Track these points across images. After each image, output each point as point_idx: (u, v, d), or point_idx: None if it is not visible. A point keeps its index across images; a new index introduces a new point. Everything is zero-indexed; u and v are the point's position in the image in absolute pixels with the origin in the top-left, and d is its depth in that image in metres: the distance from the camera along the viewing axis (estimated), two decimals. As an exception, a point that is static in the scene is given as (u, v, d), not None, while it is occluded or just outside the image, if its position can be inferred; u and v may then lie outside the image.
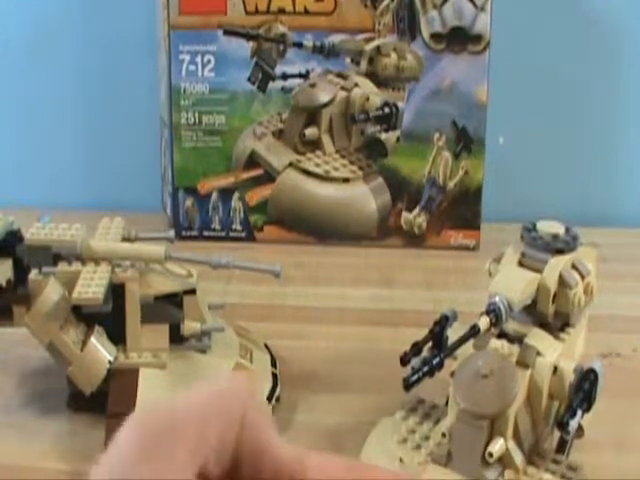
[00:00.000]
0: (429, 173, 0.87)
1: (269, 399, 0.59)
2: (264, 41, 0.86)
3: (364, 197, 0.87)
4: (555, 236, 0.51)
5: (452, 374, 0.50)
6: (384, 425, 0.54)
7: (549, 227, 0.52)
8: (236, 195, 0.89)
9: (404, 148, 0.87)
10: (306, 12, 0.85)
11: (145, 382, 0.55)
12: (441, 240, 0.89)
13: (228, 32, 0.85)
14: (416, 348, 0.51)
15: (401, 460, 0.51)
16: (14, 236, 0.56)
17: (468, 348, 0.49)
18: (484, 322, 0.48)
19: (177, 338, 0.58)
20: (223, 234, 0.90)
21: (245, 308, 0.72)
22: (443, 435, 0.48)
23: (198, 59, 0.86)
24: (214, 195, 0.89)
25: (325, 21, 0.85)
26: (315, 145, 0.87)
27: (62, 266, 0.55)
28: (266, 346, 0.66)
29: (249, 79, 0.87)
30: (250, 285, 0.77)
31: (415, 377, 0.47)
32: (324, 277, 0.82)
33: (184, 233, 0.89)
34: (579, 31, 0.93)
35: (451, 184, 0.87)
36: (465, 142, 0.86)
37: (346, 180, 0.87)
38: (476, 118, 0.86)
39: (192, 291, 0.58)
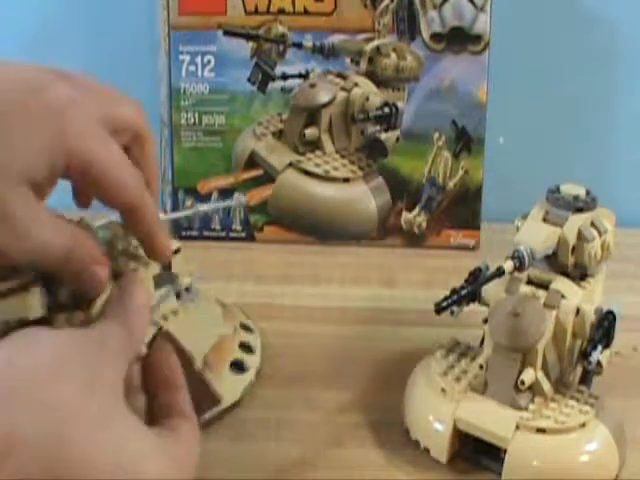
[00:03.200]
0: (429, 173, 0.87)
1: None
2: (264, 41, 0.86)
3: (364, 197, 0.88)
4: (576, 197, 0.58)
5: (484, 320, 0.56)
6: (427, 361, 0.60)
7: (571, 189, 0.58)
8: (236, 195, 0.89)
9: (404, 148, 0.87)
10: (306, 12, 0.85)
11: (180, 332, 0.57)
12: (441, 240, 0.89)
13: (228, 32, 0.85)
14: (454, 293, 0.57)
15: (443, 390, 0.56)
16: None
17: (500, 294, 0.57)
18: (509, 265, 0.54)
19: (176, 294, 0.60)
20: (223, 234, 0.90)
21: (245, 307, 0.71)
22: (480, 367, 0.56)
23: (198, 59, 0.86)
24: (214, 195, 0.89)
25: (325, 21, 0.85)
26: (315, 145, 0.87)
27: None
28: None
29: (249, 79, 0.87)
30: (250, 284, 0.78)
31: (445, 303, 0.54)
32: (324, 277, 0.82)
33: (184, 233, 0.89)
34: (579, 31, 0.93)
35: (451, 184, 0.87)
36: (465, 142, 0.86)
37: (346, 180, 0.87)
38: (476, 118, 0.86)
39: (177, 250, 0.60)
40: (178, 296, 0.60)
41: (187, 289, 0.62)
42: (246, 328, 0.67)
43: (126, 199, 0.46)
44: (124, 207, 0.46)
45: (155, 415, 0.43)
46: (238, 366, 0.62)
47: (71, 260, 0.44)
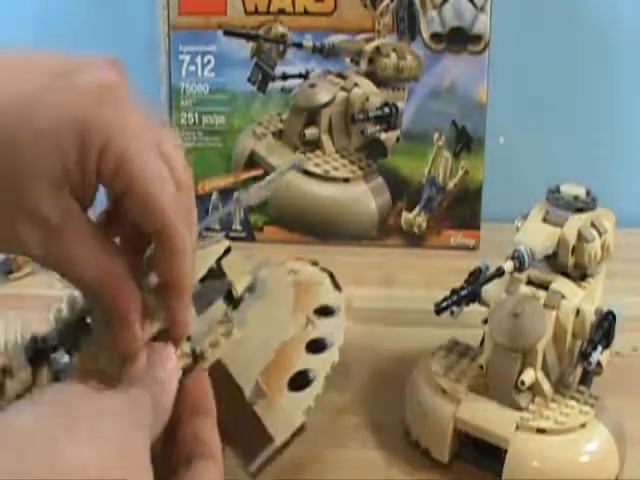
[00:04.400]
0: (429, 173, 0.87)
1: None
2: (264, 41, 0.86)
3: (364, 197, 0.88)
4: (576, 197, 0.58)
5: (484, 321, 0.56)
6: (427, 362, 0.59)
7: (571, 189, 0.58)
8: (236, 195, 0.89)
9: (404, 148, 0.87)
10: (306, 12, 0.85)
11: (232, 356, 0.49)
12: (441, 240, 0.89)
13: (228, 32, 0.85)
14: (453, 294, 0.56)
15: (443, 390, 0.56)
16: None
17: (500, 294, 0.57)
18: (509, 265, 0.54)
19: (234, 302, 0.53)
20: (223, 234, 0.90)
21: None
22: (481, 367, 0.55)
23: (198, 59, 0.86)
24: (214, 195, 0.89)
25: (325, 21, 0.85)
26: (315, 145, 0.87)
27: None
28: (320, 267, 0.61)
29: (249, 79, 0.87)
30: (250, 285, 0.77)
31: (445, 303, 0.54)
32: (324, 277, 0.82)
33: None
34: (578, 31, 0.93)
35: (451, 184, 0.87)
36: (465, 142, 0.86)
37: (346, 180, 0.87)
38: (476, 118, 0.86)
39: (228, 251, 0.54)
40: (237, 304, 0.53)
41: (250, 288, 0.54)
42: (323, 311, 0.56)
43: (158, 218, 0.38)
44: (154, 228, 0.39)
45: (179, 451, 0.39)
46: (302, 379, 0.51)
47: (100, 297, 0.39)
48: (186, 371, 0.42)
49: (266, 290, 0.55)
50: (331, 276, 0.59)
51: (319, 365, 0.52)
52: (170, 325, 0.41)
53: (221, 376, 0.47)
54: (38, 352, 0.46)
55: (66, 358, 0.44)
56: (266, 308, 0.54)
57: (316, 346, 0.53)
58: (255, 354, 0.51)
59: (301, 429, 0.49)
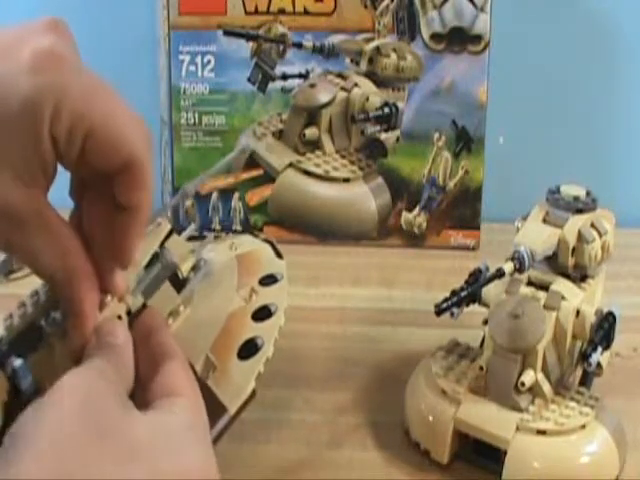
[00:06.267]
0: (429, 173, 0.87)
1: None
2: (264, 41, 0.86)
3: (364, 197, 0.87)
4: (576, 198, 0.58)
5: (485, 322, 0.56)
6: (427, 362, 0.59)
7: (571, 190, 0.58)
8: (236, 195, 0.89)
9: (404, 148, 0.87)
10: (306, 12, 0.85)
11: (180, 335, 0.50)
12: (441, 240, 0.89)
13: (228, 32, 0.85)
14: (453, 295, 0.56)
15: (443, 391, 0.56)
16: None
17: (501, 295, 0.57)
18: (509, 266, 0.54)
19: (179, 284, 0.53)
20: (223, 234, 0.90)
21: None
22: (481, 368, 0.55)
23: (198, 59, 0.86)
24: (214, 195, 0.89)
25: (325, 21, 0.85)
26: (315, 145, 0.87)
27: None
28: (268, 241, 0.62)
29: (249, 79, 0.87)
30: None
31: (445, 305, 0.54)
32: (324, 277, 0.82)
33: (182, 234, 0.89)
34: (578, 31, 0.93)
35: (451, 184, 0.87)
36: (465, 142, 0.86)
37: (346, 180, 0.87)
38: (476, 118, 0.86)
39: (169, 233, 0.54)
40: (183, 285, 0.53)
41: (194, 268, 0.54)
42: (267, 281, 0.55)
43: (125, 148, 0.38)
44: (122, 160, 0.39)
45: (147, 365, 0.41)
46: (251, 348, 0.51)
47: (59, 290, 0.40)
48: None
49: (210, 268, 0.55)
50: (272, 245, 0.60)
51: (266, 331, 0.51)
52: (119, 253, 0.42)
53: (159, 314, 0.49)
54: None
55: (19, 361, 0.45)
56: (211, 286, 0.54)
57: (262, 314, 0.53)
58: (202, 331, 0.51)
59: (252, 395, 0.50)
